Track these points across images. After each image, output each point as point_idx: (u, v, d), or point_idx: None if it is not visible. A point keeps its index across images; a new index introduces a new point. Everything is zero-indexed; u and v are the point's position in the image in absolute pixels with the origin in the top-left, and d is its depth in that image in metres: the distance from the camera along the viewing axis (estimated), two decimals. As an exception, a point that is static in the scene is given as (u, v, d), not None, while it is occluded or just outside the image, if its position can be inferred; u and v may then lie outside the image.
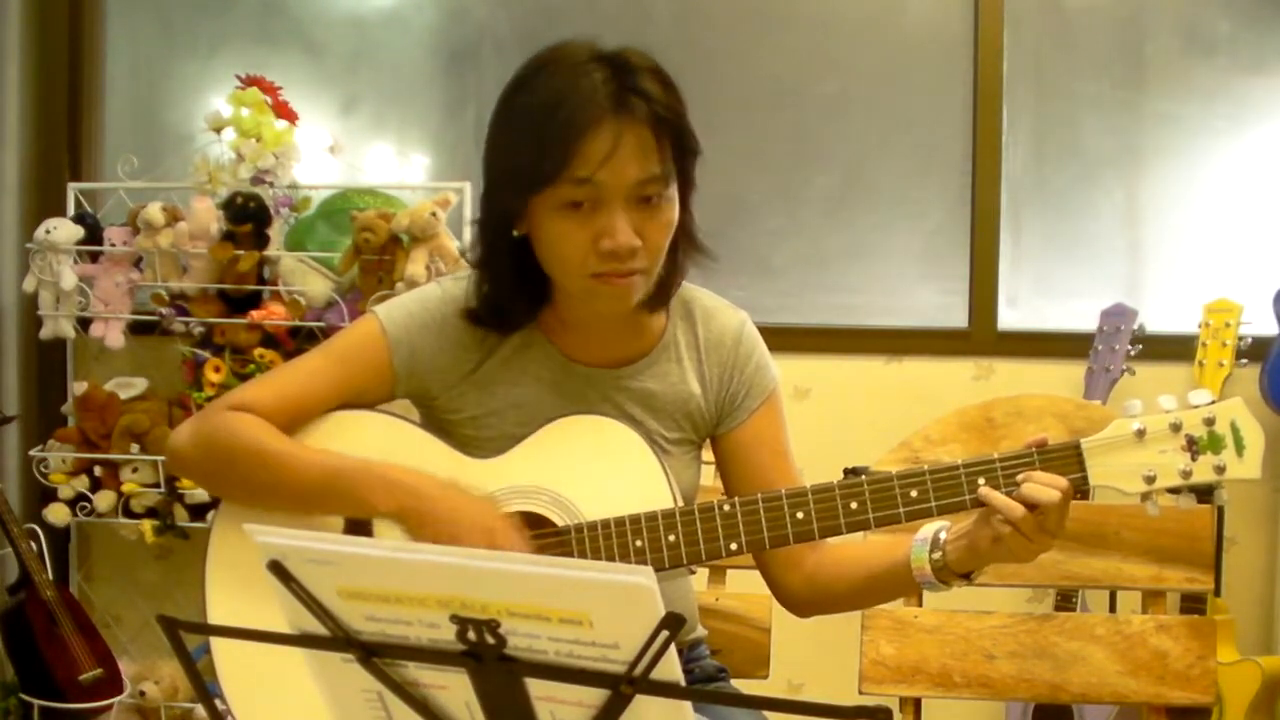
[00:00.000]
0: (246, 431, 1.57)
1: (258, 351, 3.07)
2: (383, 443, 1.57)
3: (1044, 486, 1.43)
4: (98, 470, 3.17)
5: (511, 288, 1.58)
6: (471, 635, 0.99)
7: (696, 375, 1.67)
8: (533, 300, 1.61)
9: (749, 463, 1.67)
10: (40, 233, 3.14)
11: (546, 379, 1.62)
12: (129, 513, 3.17)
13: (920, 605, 1.89)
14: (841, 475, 1.57)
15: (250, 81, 3.14)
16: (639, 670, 0.96)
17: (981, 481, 1.47)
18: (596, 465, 1.57)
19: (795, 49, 3.43)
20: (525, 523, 1.54)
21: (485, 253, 1.60)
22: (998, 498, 1.45)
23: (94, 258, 3.20)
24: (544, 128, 1.46)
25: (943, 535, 1.53)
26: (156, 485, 3.13)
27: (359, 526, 1.57)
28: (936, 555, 1.52)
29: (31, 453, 3.21)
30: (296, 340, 3.11)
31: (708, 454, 1.73)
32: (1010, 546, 1.45)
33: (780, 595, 1.71)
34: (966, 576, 1.54)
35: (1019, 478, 1.45)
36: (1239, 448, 1.44)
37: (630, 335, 1.64)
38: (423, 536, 1.49)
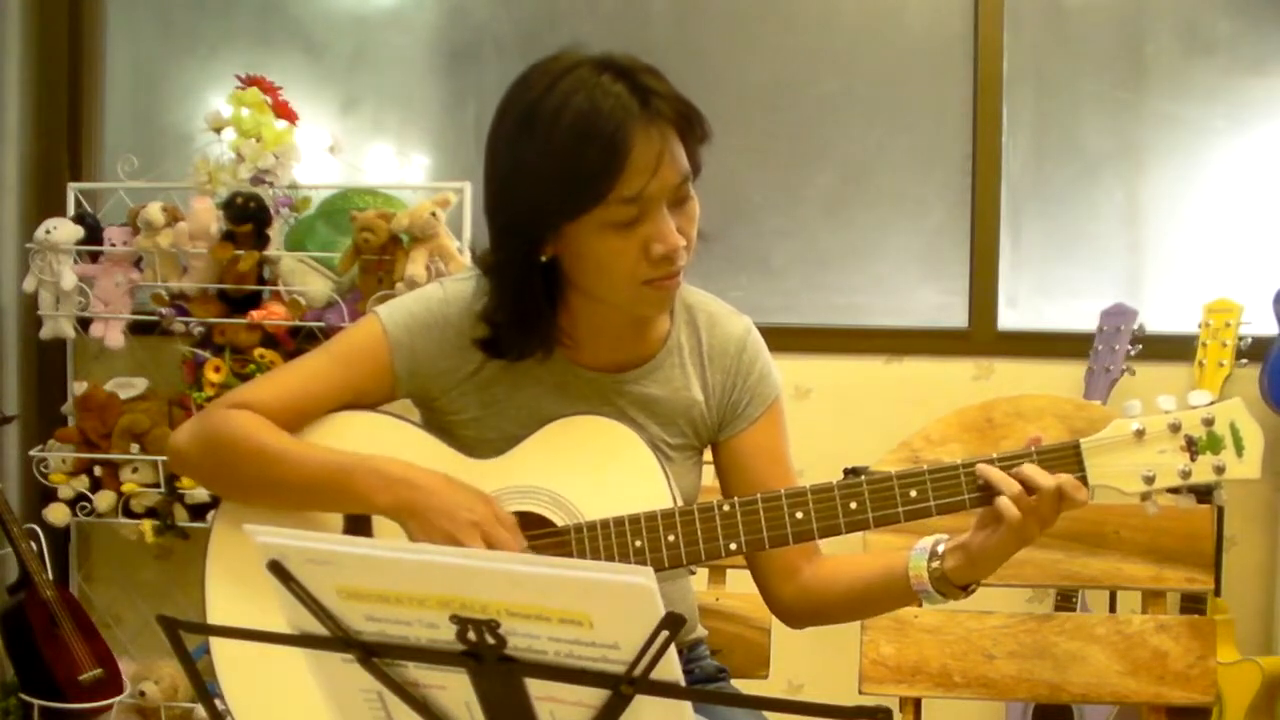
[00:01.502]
0: (246, 429, 1.57)
1: (258, 352, 3.07)
2: (384, 444, 1.57)
3: (1041, 471, 1.46)
4: (98, 470, 3.17)
5: (542, 315, 1.56)
6: (471, 635, 0.99)
7: (699, 381, 1.66)
8: (553, 317, 1.58)
9: (748, 470, 1.67)
10: (40, 233, 3.14)
11: (548, 382, 1.62)
12: (129, 513, 3.17)
13: (920, 605, 1.88)
14: (841, 475, 1.57)
15: (250, 81, 3.14)
16: (639, 670, 0.96)
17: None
18: (596, 465, 1.56)
19: (795, 49, 3.42)
20: (525, 523, 1.54)
21: (511, 289, 1.55)
22: (994, 473, 1.47)
23: (94, 258, 3.20)
24: (581, 151, 1.43)
25: (940, 546, 1.54)
26: (156, 485, 3.13)
27: (359, 526, 1.57)
28: (935, 565, 1.53)
29: (31, 453, 3.21)
30: (296, 340, 3.11)
31: (707, 455, 1.73)
32: (1004, 531, 1.46)
33: (774, 605, 1.71)
34: (965, 590, 1.54)
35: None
36: (1238, 448, 1.45)
37: (634, 340, 1.64)
38: (418, 532, 1.49)
